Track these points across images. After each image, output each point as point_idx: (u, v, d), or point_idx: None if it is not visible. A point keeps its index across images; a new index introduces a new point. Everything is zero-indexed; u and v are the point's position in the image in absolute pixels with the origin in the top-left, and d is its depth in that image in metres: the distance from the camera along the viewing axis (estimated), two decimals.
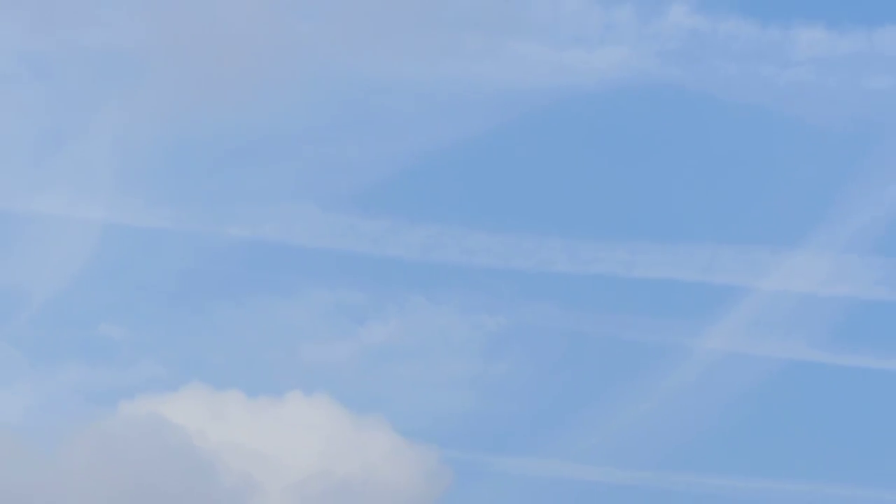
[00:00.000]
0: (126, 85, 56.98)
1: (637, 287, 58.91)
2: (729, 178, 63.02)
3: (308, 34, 58.65)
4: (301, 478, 53.88)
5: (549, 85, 59.86)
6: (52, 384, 55.00)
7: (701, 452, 51.50)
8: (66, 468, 50.08)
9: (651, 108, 59.73)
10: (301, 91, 59.58)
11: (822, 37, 54.93)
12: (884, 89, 57.23)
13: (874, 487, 47.08)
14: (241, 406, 54.75)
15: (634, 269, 55.97)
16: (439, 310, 59.01)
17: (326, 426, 54.35)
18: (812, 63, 55.89)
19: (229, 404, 53.82)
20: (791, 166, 61.17)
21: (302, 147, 60.20)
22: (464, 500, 51.63)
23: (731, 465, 51.36)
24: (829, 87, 57.93)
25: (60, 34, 54.55)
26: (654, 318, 56.71)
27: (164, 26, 57.73)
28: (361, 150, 60.41)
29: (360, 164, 61.04)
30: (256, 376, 59.00)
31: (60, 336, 55.11)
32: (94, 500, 48.73)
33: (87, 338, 54.87)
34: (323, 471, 53.11)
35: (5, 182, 55.48)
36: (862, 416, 55.53)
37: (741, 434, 52.39)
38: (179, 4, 57.00)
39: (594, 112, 60.10)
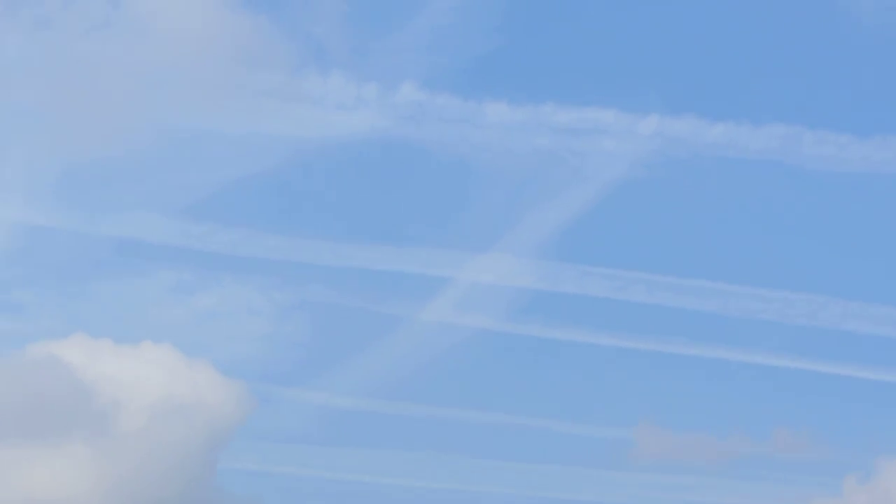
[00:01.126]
0: (34, 126, 76.69)
1: (379, 276, 79.12)
2: (440, 202, 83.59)
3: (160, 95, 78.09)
4: (150, 401, 68.90)
5: (318, 136, 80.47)
6: None
7: (424, 388, 74.57)
8: None
9: (385, 155, 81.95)
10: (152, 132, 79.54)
11: (504, 108, 77.18)
12: (545, 145, 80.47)
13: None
14: (110, 350, 73.13)
15: (378, 265, 78.35)
16: (245, 287, 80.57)
17: (168, 366, 71.32)
18: (496, 127, 77.64)
19: (102, 349, 72.33)
20: (484, 195, 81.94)
21: (152, 171, 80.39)
22: (264, 418, 71.90)
23: (443, 399, 75.48)
24: (507, 143, 79.68)
25: None
26: (391, 297, 78.43)
27: (64, 87, 77.53)
28: (190, 175, 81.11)
29: (190, 186, 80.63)
30: (121, 330, 79.54)
31: None
32: (6, 410, 64.60)
33: (3, 299, 76.34)
34: (166, 396, 68.88)
35: None
36: (529, 377, 78.21)
37: (448, 380, 75.21)
38: (70, 70, 77.72)
39: (347, 157, 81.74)
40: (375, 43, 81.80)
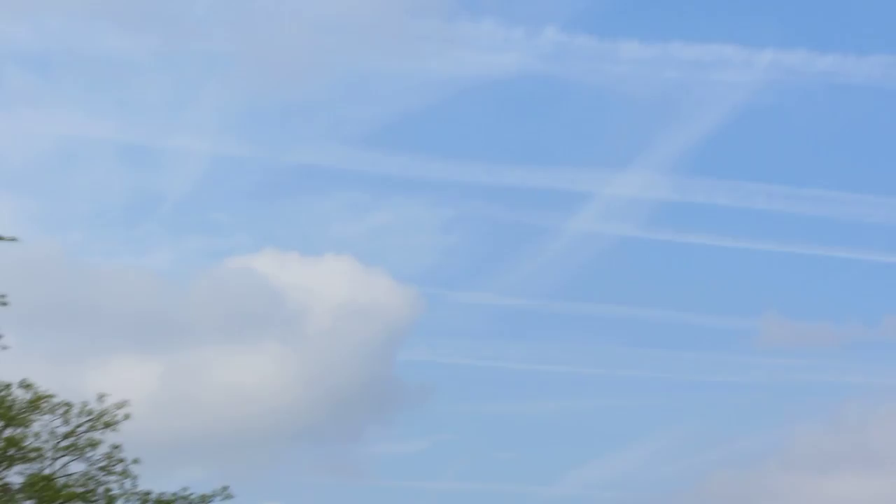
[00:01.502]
0: (226, 72, 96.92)
1: (531, 193, 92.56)
2: (582, 128, 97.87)
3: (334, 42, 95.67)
4: (334, 305, 77.66)
5: (472, 74, 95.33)
6: (184, 248, 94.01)
7: (574, 288, 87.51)
8: (193, 300, 79.98)
9: (532, 89, 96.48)
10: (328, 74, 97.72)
11: (636, 46, 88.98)
12: (673, 78, 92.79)
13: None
14: (297, 262, 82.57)
15: (530, 183, 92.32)
16: (413, 205, 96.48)
17: (348, 275, 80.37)
18: (629, 63, 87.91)
19: (290, 261, 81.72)
20: (620, 122, 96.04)
21: (329, 108, 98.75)
22: (433, 318, 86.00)
23: (590, 297, 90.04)
24: (640, 76, 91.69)
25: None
26: (541, 211, 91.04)
27: (250, 38, 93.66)
28: (363, 110, 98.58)
29: (363, 119, 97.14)
30: (306, 244, 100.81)
31: (187, 219, 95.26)
32: (209, 319, 78.43)
33: (204, 220, 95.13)
34: (347, 301, 77.69)
35: (154, 127, 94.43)
36: (666, 277, 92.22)
37: (593, 281, 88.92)
38: (254, 22, 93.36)
39: (498, 92, 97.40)
40: None
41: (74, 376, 59.34)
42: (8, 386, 27.31)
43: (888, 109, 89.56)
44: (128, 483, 28.39)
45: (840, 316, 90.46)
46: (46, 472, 27.91)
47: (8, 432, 26.91)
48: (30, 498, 27.76)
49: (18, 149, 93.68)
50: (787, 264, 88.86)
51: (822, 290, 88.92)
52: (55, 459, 28.08)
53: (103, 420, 28.00)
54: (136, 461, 28.19)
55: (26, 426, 27.36)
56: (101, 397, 27.94)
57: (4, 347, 26.83)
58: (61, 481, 27.99)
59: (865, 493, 69.87)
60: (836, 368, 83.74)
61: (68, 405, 28.16)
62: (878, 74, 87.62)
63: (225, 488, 29.46)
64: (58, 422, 28.04)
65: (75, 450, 28.04)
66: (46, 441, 27.94)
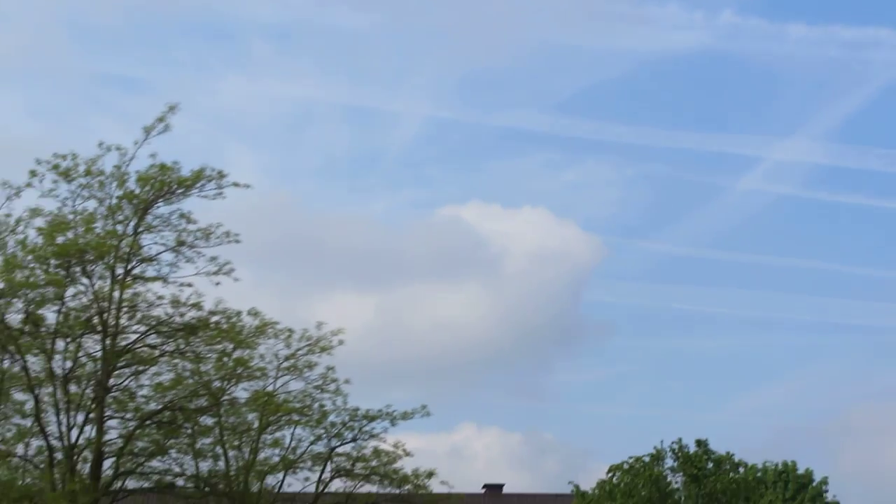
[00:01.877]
0: (439, 43, 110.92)
1: (705, 156, 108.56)
2: (752, 100, 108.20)
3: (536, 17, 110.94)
4: (529, 251, 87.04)
5: (658, 49, 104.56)
6: (400, 199, 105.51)
7: (741, 240, 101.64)
8: (406, 244, 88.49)
9: (710, 65, 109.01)
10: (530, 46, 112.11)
11: (802, 28, 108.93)
12: (835, 56, 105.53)
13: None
14: (498, 213, 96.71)
15: (705, 147, 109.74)
16: (601, 165, 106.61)
17: (542, 225, 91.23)
18: (796, 43, 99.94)
19: (492, 212, 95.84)
20: (786, 95, 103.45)
21: (529, 77, 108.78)
22: (616, 263, 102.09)
23: (755, 248, 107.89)
24: (805, 55, 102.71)
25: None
26: (714, 172, 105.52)
27: (460, 12, 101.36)
28: (559, 80, 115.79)
29: (558, 88, 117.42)
30: (507, 197, 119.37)
31: (404, 173, 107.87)
32: (420, 261, 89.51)
33: (418, 174, 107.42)
34: (541, 247, 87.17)
35: (378, 92, 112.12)
36: (822, 232, 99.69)
37: (758, 235, 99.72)
38: (467, 3, 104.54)
39: (680, 66, 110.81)
40: None
41: (300, 308, 71.86)
42: (238, 313, 30.43)
43: None
44: (339, 400, 32.36)
45: None
46: (269, 388, 31.41)
47: (237, 353, 30.26)
48: (253, 411, 31.27)
49: (260, 110, 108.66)
50: None
51: None
52: (277, 378, 31.66)
53: (320, 345, 31.38)
54: (347, 381, 32.35)
55: (253, 348, 30.68)
56: (319, 325, 31.60)
57: (237, 280, 30.05)
58: (281, 397, 31.67)
59: None
60: None
61: (290, 331, 31.61)
62: None
63: (424, 407, 33.81)
64: (281, 345, 31.77)
65: (295, 370, 31.75)
66: (270, 362, 31.77)
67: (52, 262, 29.81)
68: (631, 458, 38.68)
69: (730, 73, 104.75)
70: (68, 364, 30.09)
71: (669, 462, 38.73)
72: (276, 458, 34.17)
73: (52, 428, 30.05)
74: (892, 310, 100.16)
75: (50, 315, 30.35)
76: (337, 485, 35.44)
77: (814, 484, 47.52)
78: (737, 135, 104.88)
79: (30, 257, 29.80)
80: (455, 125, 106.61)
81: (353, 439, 34.06)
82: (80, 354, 30.39)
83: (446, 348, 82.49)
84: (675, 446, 38.26)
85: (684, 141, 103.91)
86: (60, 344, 30.32)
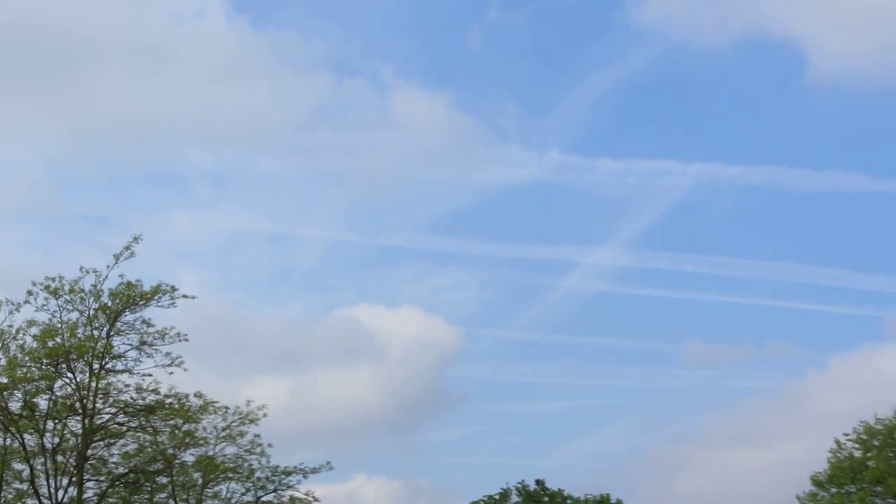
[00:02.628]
0: (339, 184, 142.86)
1: (539, 263, 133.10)
2: (576, 217, 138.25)
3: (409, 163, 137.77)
4: (408, 339, 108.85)
5: (503, 183, 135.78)
6: (309, 303, 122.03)
7: (571, 326, 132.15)
8: (314, 338, 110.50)
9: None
10: None
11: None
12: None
13: None
14: (382, 312, 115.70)
15: (539, 256, 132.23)
16: (462, 271, 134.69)
17: (417, 320, 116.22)
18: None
19: (377, 311, 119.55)
20: (598, 212, 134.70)
21: (411, 206, 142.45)
22: (472, 349, 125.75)
23: (580, 331, 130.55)
24: (607, 182, 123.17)
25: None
26: (546, 273, 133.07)
27: (354, 159, 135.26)
28: (433, 208, 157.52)
29: (433, 213, 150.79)
30: (390, 299, 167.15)
31: (312, 283, 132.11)
32: (324, 350, 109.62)
33: (323, 284, 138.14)
34: (415, 338, 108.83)
35: (291, 221, 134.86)
36: (626, 320, 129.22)
37: (580, 321, 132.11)
38: (359, 149, 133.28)
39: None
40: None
41: (233, 390, 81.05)
42: (187, 395, 38.85)
43: (776, 203, 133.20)
44: (264, 460, 42.75)
45: (737, 341, 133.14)
46: (210, 453, 40.56)
47: (186, 427, 39.02)
48: (198, 471, 40.37)
49: (201, 238, 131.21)
50: (704, 308, 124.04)
51: (726, 323, 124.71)
52: (216, 444, 41.29)
53: (249, 417, 41.30)
54: (269, 445, 43.09)
55: (198, 422, 39.78)
56: (248, 402, 41.82)
57: (185, 369, 38.34)
58: (220, 459, 41.14)
59: (755, 463, 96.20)
60: (735, 377, 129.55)
61: (226, 408, 41.54)
62: (771, 180, 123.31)
63: (328, 463, 44.28)
64: (219, 419, 41.44)
65: (229, 438, 41.55)
66: (211, 432, 41.27)
67: (45, 361, 36.17)
68: (484, 496, 51.51)
69: (556, 198, 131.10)
70: (56, 440, 36.85)
71: (515, 498, 51.15)
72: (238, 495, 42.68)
73: (43, 490, 36.64)
74: (681, 374, 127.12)
75: (42, 402, 36.90)
76: None
77: None
78: (561, 245, 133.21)
79: (27, 358, 36.09)
80: (349, 245, 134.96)
81: (275, 490, 42.65)
82: (65, 432, 37.09)
83: (344, 416, 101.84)
84: (520, 485, 51.52)
85: (522, 251, 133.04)
86: (50, 424, 36.90)
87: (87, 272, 37.82)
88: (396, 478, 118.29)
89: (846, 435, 54.63)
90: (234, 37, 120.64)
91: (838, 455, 54.75)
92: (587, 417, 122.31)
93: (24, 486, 38.66)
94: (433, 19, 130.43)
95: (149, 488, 40.43)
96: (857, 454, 54.49)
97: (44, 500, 36.52)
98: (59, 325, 36.91)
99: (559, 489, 54.41)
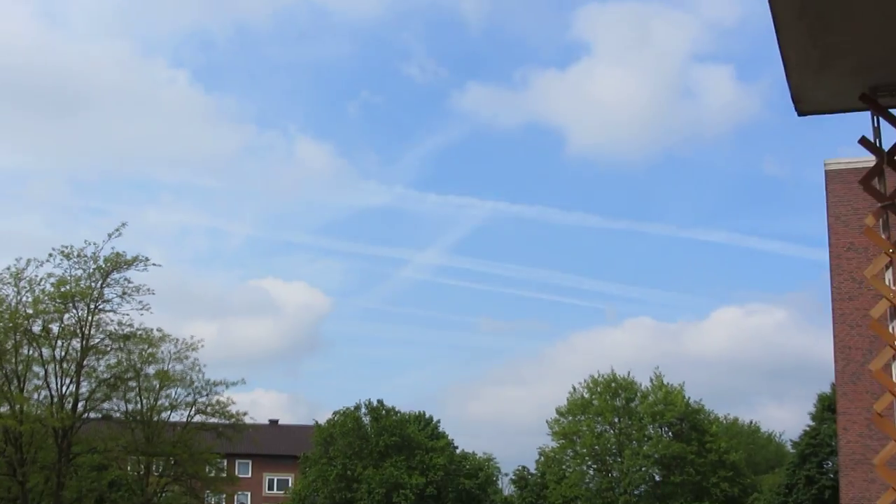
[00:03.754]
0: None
1: (390, 259, 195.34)
2: (413, 230, 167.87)
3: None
4: (299, 302, 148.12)
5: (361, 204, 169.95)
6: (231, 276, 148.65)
7: (409, 300, 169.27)
8: (238, 298, 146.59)
9: None
10: None
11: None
12: None
13: None
14: (280, 284, 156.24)
15: (389, 254, 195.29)
16: (334, 263, 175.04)
17: (305, 291, 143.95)
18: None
19: (276, 283, 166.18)
20: (424, 227, 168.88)
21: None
22: (340, 311, 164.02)
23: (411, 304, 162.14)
24: (434, 213, 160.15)
25: None
26: (392, 264, 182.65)
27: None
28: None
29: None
30: (284, 275, 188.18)
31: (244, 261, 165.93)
32: (241, 306, 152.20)
33: (253, 263, 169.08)
34: (304, 303, 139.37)
35: None
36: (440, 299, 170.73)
37: (412, 298, 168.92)
38: None
39: None
40: None
41: (180, 328, 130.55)
42: (151, 330, 50.99)
43: (540, 231, 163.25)
44: (200, 375, 53.69)
45: (512, 318, 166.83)
46: (164, 369, 52.03)
47: (150, 350, 51.33)
48: (156, 380, 51.90)
49: (163, 227, 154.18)
50: (492, 295, 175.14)
51: (506, 306, 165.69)
52: (168, 363, 52.28)
53: (191, 346, 52.77)
54: (204, 365, 54.11)
55: (157, 347, 51.60)
56: (191, 336, 53.99)
57: (151, 312, 50.25)
58: (171, 373, 52.44)
59: (520, 398, 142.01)
60: (510, 342, 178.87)
61: (176, 339, 53.11)
62: (538, 214, 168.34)
63: (242, 379, 59.21)
64: (171, 346, 52.67)
65: (178, 359, 52.78)
66: (166, 355, 52.33)
67: (58, 300, 48.24)
68: (343, 408, 76.28)
69: (399, 216, 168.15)
70: (63, 353, 48.67)
71: (364, 411, 76.89)
72: (166, 403, 53.44)
73: (53, 385, 48.54)
74: (470, 338, 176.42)
75: (54, 328, 48.74)
76: (197, 418, 54.57)
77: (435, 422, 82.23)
78: (401, 247, 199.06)
79: (46, 298, 48.09)
80: (261, 239, 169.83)
81: (206, 395, 53.80)
82: (69, 348, 48.65)
83: (252, 351, 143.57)
84: (366, 402, 79.14)
85: (375, 250, 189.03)
86: (59, 342, 48.61)
87: (89, 244, 49.49)
88: (285, 392, 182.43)
89: (580, 383, 77.26)
90: (193, 96, 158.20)
91: (574, 396, 77.13)
92: (412, 362, 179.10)
93: (40, 383, 49.56)
94: (324, 95, 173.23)
95: (122, 388, 51.31)
96: (586, 396, 77.15)
97: (53, 392, 48.50)
98: (69, 278, 48.60)
99: (392, 406, 78.22)
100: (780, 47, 3.94)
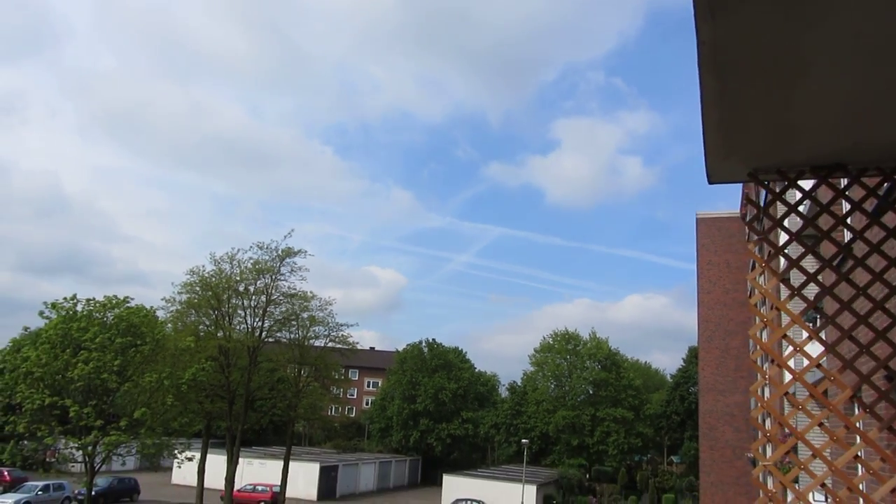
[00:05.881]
0: None
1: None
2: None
3: None
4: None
5: None
6: None
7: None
8: None
9: None
10: None
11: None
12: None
13: None
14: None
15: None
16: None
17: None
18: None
19: None
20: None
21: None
22: None
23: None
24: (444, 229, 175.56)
25: None
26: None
27: None
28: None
29: None
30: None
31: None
32: None
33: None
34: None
35: None
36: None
37: None
38: None
39: None
40: None
41: (320, 291, 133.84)
42: (306, 291, 55.39)
43: (527, 247, 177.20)
44: (331, 319, 59.85)
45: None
46: (313, 315, 54.29)
47: (303, 303, 58.03)
48: (309, 322, 57.13)
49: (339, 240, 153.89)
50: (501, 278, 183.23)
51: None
52: (315, 311, 55.07)
53: (329, 303, 60.78)
54: (336, 314, 60.79)
55: (309, 301, 54.65)
56: (329, 297, 59.54)
57: (306, 281, 58.09)
58: (316, 317, 56.50)
59: (511, 341, 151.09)
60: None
61: (320, 298, 58.21)
62: (526, 237, 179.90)
63: (357, 322, 63.02)
64: (318, 302, 54.73)
65: (321, 310, 55.36)
66: (315, 307, 54.00)
67: (254, 273, 49.02)
68: (411, 342, 76.29)
69: (448, 235, 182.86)
70: (254, 303, 49.49)
71: (424, 344, 76.69)
72: (312, 334, 52.61)
73: (248, 321, 49.60)
74: (485, 304, 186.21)
75: (251, 288, 49.17)
76: (329, 344, 53.31)
77: (464, 352, 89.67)
78: (448, 251, 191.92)
79: (248, 271, 49.29)
80: (370, 244, 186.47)
81: (335, 330, 53.17)
82: (259, 301, 49.09)
83: (364, 307, 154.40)
84: (425, 339, 76.80)
85: (434, 253, 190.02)
86: (253, 297, 49.16)
87: (273, 241, 53.72)
88: (379, 331, 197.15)
89: (548, 335, 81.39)
90: (335, 161, 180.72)
91: (544, 342, 79.09)
92: (452, 317, 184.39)
93: (240, 320, 50.23)
94: (409, 163, 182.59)
95: (288, 325, 51.96)
96: (551, 342, 77.64)
97: (248, 325, 49.47)
98: (262, 259, 50.44)
99: (440, 342, 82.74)
100: (704, 144, 3.49)
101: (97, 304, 45.95)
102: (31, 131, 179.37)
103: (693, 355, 72.45)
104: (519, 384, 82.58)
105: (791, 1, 2.34)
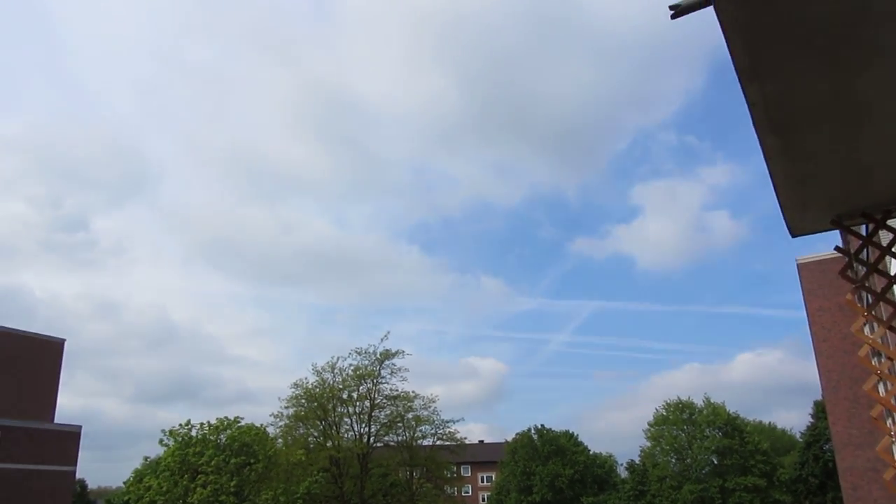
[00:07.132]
0: None
1: None
2: None
3: None
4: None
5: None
6: None
7: None
8: None
9: None
10: None
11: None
12: None
13: None
14: None
15: None
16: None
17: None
18: None
19: None
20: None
21: None
22: None
23: None
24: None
25: None
26: None
27: None
28: None
29: None
30: None
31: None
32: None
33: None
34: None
35: None
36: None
37: None
38: None
39: None
40: None
41: (426, 388, 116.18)
42: (408, 392, 53.16)
43: (623, 317, 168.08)
44: (437, 416, 55.22)
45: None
46: (419, 415, 52.77)
47: (407, 404, 57.15)
48: (415, 422, 53.95)
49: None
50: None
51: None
52: (419, 411, 52.70)
53: (433, 400, 60.16)
54: (440, 411, 60.49)
55: (412, 401, 53.93)
56: (432, 394, 58.85)
57: (406, 381, 58.29)
58: (421, 416, 52.51)
59: (622, 417, 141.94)
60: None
61: (423, 396, 55.51)
62: (621, 307, 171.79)
63: (462, 418, 63.31)
64: (420, 402, 52.76)
65: (424, 408, 53.33)
66: (418, 406, 52.84)
67: (356, 379, 49.80)
68: (520, 431, 73.05)
69: (542, 316, 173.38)
70: (359, 409, 50.21)
71: (533, 431, 73.60)
72: (420, 434, 51.92)
73: (355, 428, 50.15)
74: (589, 382, 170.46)
75: (354, 395, 49.89)
76: (437, 442, 52.29)
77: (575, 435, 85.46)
78: (545, 332, 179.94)
79: (349, 378, 50.02)
80: (465, 335, 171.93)
81: (442, 428, 52.12)
82: (363, 406, 49.52)
83: (468, 400, 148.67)
84: (534, 426, 75.71)
85: (530, 336, 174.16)
86: (357, 403, 49.77)
87: (371, 346, 53.49)
88: (486, 423, 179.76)
89: (659, 406, 77.51)
90: (422, 259, 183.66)
91: (657, 414, 77.29)
92: (558, 400, 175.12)
93: (348, 427, 50.19)
94: (494, 251, 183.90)
95: (394, 428, 50.51)
96: (664, 413, 76.39)
97: (355, 432, 50.05)
98: (362, 364, 51.17)
99: (549, 428, 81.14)
100: (778, 199, 3.46)
101: (210, 427, 47.21)
102: (139, 268, 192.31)
103: (820, 409, 68.08)
104: (637, 461, 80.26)
105: (832, 51, 2.33)
